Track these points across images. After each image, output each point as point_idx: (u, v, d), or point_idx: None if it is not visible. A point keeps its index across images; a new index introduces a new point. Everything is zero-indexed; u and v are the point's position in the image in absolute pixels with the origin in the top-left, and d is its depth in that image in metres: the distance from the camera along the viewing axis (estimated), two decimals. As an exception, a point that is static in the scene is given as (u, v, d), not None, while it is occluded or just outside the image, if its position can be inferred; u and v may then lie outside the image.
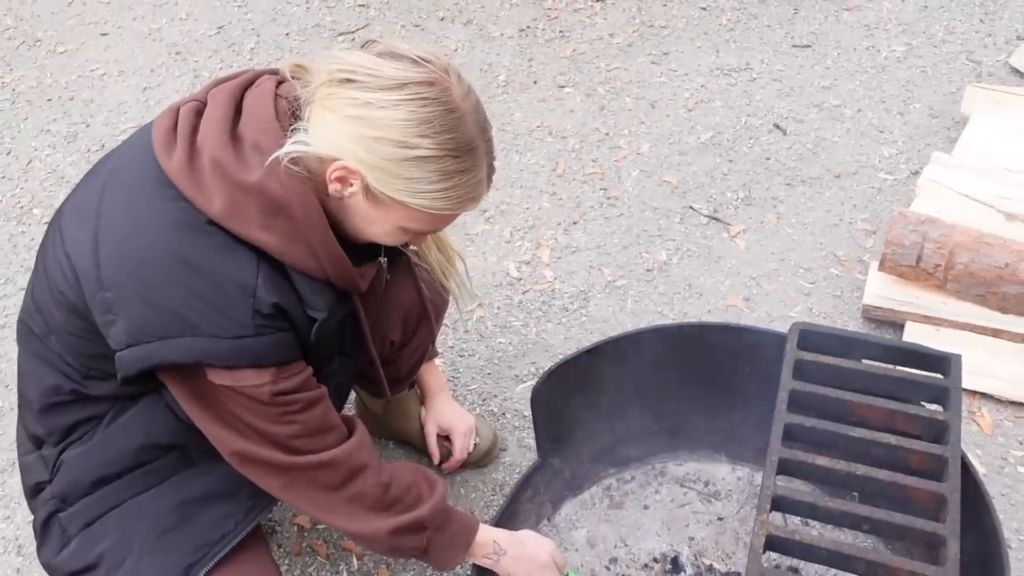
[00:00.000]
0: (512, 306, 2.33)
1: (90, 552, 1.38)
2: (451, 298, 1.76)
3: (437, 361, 1.95)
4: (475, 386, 2.15)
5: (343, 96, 1.19)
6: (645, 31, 3.25)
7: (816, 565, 1.61)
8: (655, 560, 1.76)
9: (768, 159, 2.69)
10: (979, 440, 1.94)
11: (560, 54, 3.18)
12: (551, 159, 2.77)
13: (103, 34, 3.51)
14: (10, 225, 2.72)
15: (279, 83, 1.30)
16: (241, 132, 1.24)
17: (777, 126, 2.80)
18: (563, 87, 3.04)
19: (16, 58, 3.43)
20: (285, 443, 1.31)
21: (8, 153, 2.99)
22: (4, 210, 2.77)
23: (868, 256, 2.36)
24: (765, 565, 1.28)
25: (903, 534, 1.33)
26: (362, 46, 1.25)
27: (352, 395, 2.02)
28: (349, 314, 1.42)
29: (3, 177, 2.90)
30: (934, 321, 2.11)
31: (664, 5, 3.35)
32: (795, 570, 1.68)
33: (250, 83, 1.31)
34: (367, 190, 1.23)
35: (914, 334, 2.09)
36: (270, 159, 1.20)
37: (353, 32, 3.37)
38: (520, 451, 2.01)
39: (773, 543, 1.32)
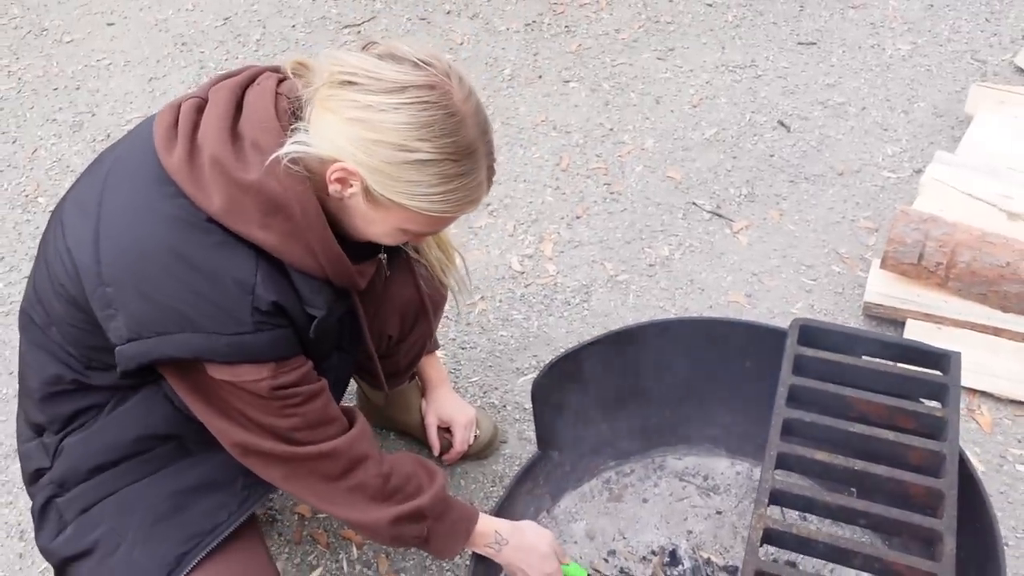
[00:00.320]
0: (514, 299, 2.34)
1: (86, 538, 1.39)
2: (449, 294, 1.77)
3: (438, 353, 1.95)
4: (476, 378, 2.15)
5: (344, 98, 1.19)
6: (651, 27, 3.25)
7: (813, 559, 1.61)
8: (653, 553, 1.77)
9: (772, 156, 2.69)
10: (978, 438, 1.95)
11: (565, 49, 3.18)
12: (555, 153, 2.77)
13: (109, 24, 3.52)
14: (15, 213, 2.73)
15: (280, 81, 1.30)
16: (241, 130, 1.24)
17: (781, 123, 2.80)
18: (568, 82, 3.04)
19: (22, 47, 3.44)
20: (286, 435, 1.32)
21: (14, 142, 3.00)
22: (9, 198, 2.78)
23: (870, 254, 2.36)
24: (762, 558, 1.28)
25: (900, 529, 1.33)
26: (363, 47, 1.25)
27: (354, 386, 2.04)
28: (348, 311, 1.43)
29: (9, 165, 2.91)
30: (935, 319, 2.12)
31: (670, 1, 3.35)
32: (792, 564, 1.69)
33: (251, 81, 1.31)
34: (367, 192, 1.23)
35: (915, 332, 2.10)
36: (270, 159, 1.20)
37: (359, 24, 3.37)
38: (520, 443, 2.01)
39: (771, 537, 1.33)
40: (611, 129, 2.84)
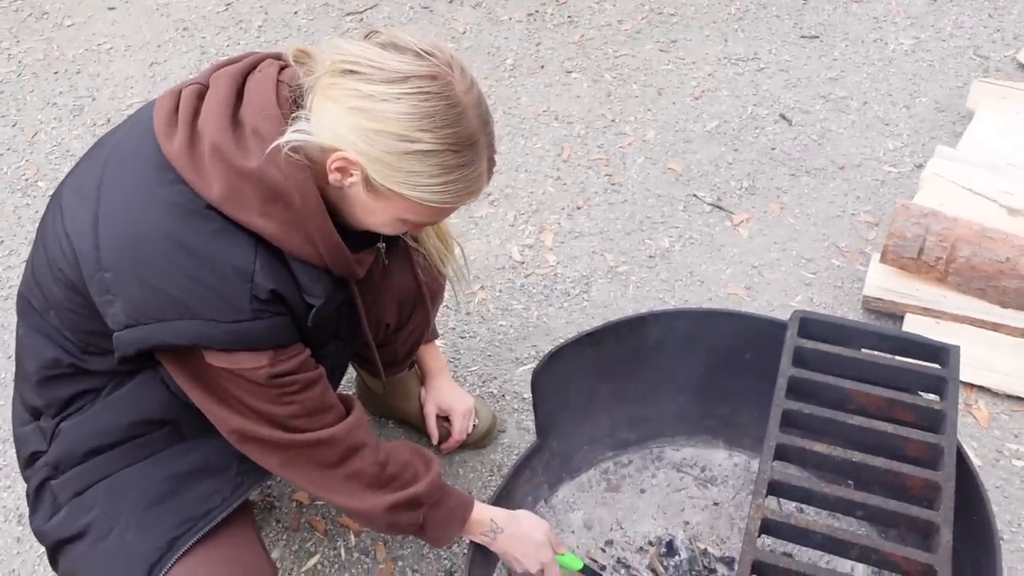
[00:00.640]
0: (514, 289, 2.34)
1: (79, 521, 1.39)
2: (447, 283, 1.76)
3: (438, 342, 1.95)
4: (475, 368, 2.15)
5: (345, 87, 1.19)
6: (654, 18, 3.25)
7: (810, 550, 1.62)
8: (650, 543, 1.77)
9: (773, 149, 2.69)
10: (975, 432, 1.95)
11: (568, 39, 3.18)
12: (556, 144, 2.77)
13: (111, 8, 3.51)
14: (15, 197, 2.72)
15: (282, 68, 1.30)
16: (242, 117, 1.23)
17: (783, 116, 2.80)
18: (570, 72, 3.04)
19: (23, 30, 3.43)
20: (283, 422, 1.32)
21: (14, 125, 2.99)
22: (9, 182, 2.78)
23: (870, 248, 2.36)
24: (759, 549, 1.28)
25: (897, 521, 1.33)
26: (366, 36, 1.24)
27: (353, 374, 2.04)
28: (346, 300, 1.43)
29: (9, 149, 2.90)
30: (934, 314, 2.12)
31: (673, -8, 3.35)
32: (789, 555, 1.69)
33: (252, 67, 1.30)
34: (367, 181, 1.23)
35: (914, 326, 2.10)
36: (271, 147, 1.20)
37: (361, 12, 3.36)
38: (519, 433, 2.02)
39: (768, 527, 1.33)
40: (613, 120, 2.83)
